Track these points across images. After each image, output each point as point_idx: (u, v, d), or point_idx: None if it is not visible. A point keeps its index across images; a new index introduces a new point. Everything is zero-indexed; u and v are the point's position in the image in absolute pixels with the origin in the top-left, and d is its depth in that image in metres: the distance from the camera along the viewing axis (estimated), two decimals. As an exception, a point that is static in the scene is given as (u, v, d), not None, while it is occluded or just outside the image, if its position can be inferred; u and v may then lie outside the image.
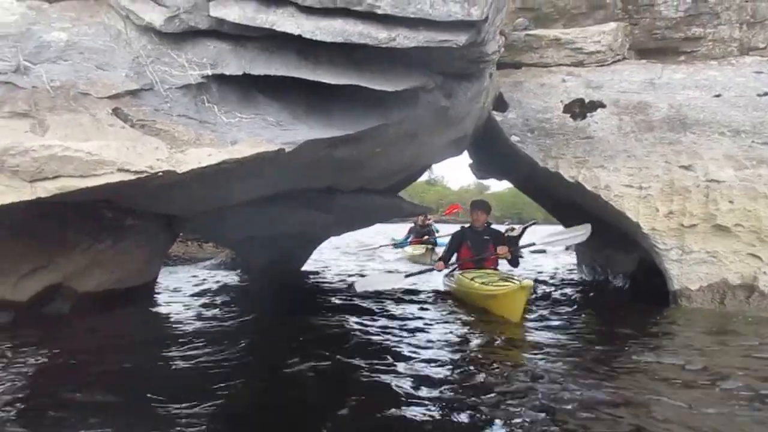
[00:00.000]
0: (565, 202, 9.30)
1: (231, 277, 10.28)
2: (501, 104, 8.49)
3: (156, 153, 4.90)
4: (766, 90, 8.08)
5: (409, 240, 17.77)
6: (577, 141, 7.86)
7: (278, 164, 5.29)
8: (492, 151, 9.47)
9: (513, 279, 7.24)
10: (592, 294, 9.10)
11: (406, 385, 4.09)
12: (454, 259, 8.48)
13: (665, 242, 7.29)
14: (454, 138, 7.59)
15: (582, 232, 7.90)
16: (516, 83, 8.77)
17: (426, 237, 17.04)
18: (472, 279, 7.51)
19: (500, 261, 8.29)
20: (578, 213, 8.86)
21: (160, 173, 4.82)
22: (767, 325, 6.28)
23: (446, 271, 8.74)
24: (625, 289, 9.10)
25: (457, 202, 21.29)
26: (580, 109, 8.15)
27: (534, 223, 21.74)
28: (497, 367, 4.63)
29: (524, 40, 9.23)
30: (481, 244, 8.19)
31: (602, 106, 8.13)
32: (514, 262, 8.40)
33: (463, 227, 8.76)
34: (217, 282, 9.55)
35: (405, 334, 5.85)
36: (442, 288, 9.05)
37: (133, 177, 4.80)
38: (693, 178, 7.29)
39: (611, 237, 8.75)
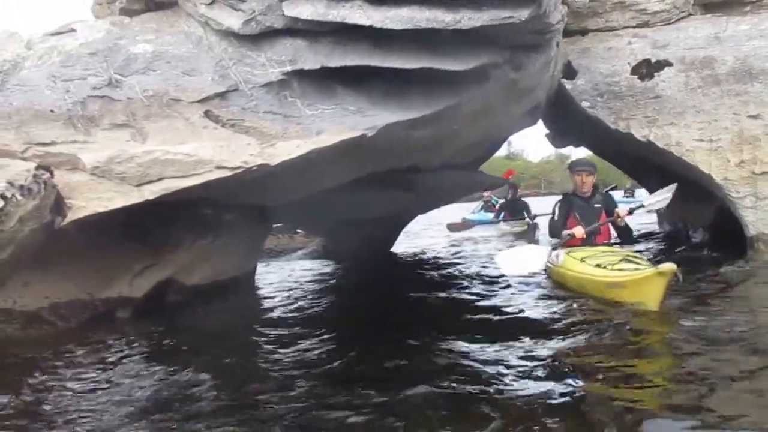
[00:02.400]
0: (640, 161, 9.39)
1: (322, 265, 10.68)
2: (570, 71, 8.58)
3: (248, 149, 5.32)
4: (831, 32, 7.95)
5: (502, 216, 15.99)
6: (646, 101, 7.98)
7: (362, 149, 5.62)
8: (566, 119, 9.60)
9: (637, 258, 5.93)
10: (676, 246, 9.24)
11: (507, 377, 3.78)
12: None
13: (738, 190, 7.47)
14: (527, 108, 7.79)
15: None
16: (583, 49, 8.83)
17: (523, 212, 15.41)
18: (582, 260, 6.06)
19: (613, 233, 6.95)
20: (654, 170, 8.96)
21: (254, 167, 5.23)
22: None
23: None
24: (706, 239, 9.28)
25: (512, 169, 19.41)
26: (647, 69, 8.19)
27: (614, 188, 21.44)
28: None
29: (589, 6, 9.17)
30: (590, 213, 6.73)
31: (669, 64, 8.15)
32: (627, 236, 6.87)
33: (566, 194, 7.17)
34: (310, 270, 9.97)
35: (505, 319, 5.49)
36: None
37: (230, 173, 5.22)
38: (762, 126, 7.43)
39: (688, 190, 8.80)
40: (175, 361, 4.39)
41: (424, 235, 16.59)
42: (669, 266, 4.94)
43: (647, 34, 8.77)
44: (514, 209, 15.53)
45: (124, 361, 4.54)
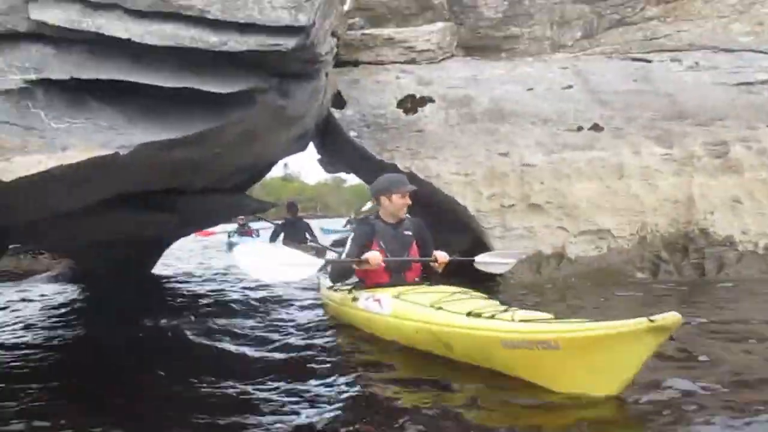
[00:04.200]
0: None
1: (69, 289, 9.77)
2: (339, 101, 8.79)
3: (-21, 162, 4.74)
4: (570, 83, 9.10)
5: (281, 239, 13.76)
6: (409, 134, 8.44)
7: (116, 168, 5.23)
8: (335, 147, 9.82)
9: (510, 307, 3.98)
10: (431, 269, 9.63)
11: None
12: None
13: (489, 221, 8.12)
14: (295, 135, 7.78)
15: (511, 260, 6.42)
16: (353, 81, 9.11)
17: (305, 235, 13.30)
18: (436, 306, 4.16)
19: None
20: (416, 199, 9.37)
21: (-15, 183, 4.67)
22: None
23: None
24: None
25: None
26: (411, 104, 8.67)
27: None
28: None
29: (361, 39, 9.54)
30: (400, 243, 5.30)
31: (431, 100, 8.70)
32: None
33: (367, 218, 5.73)
34: (52, 295, 9.06)
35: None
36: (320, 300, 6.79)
37: (-43, 187, 4.63)
38: (510, 163, 8.19)
39: (447, 220, 9.34)
40: None
41: (192, 258, 15.98)
42: (672, 317, 2.87)
43: (414, 70, 9.27)
44: (295, 232, 13.37)
45: None
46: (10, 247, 9.79)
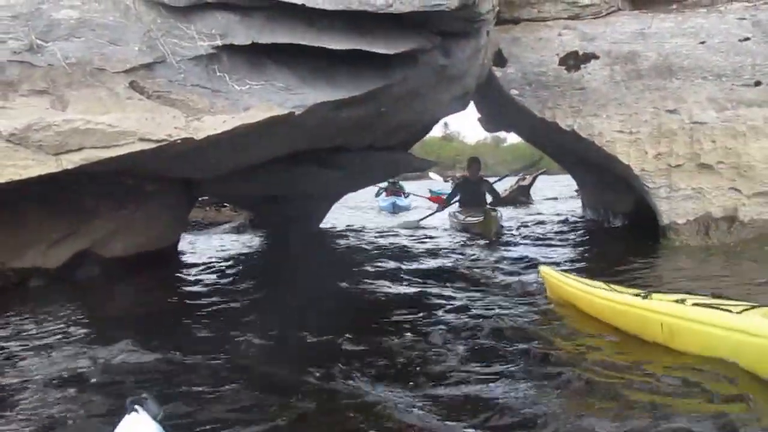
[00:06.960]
0: (565, 149, 9.68)
1: (249, 239, 10.61)
2: (500, 59, 8.73)
3: (174, 122, 5.25)
4: (747, 35, 8.32)
5: (457, 200, 11.80)
6: (572, 92, 8.22)
7: (290, 127, 5.62)
8: (496, 105, 9.81)
9: None
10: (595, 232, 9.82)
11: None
12: None
13: (654, 181, 7.78)
14: (456, 94, 7.87)
15: None
16: (514, 38, 8.98)
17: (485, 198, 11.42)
18: None
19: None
20: (578, 159, 9.23)
21: (179, 141, 5.18)
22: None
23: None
24: (624, 226, 9.77)
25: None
26: (574, 61, 8.43)
27: (543, 172, 21.67)
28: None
29: (522, -4, 9.38)
30: None
31: (595, 57, 8.40)
32: None
33: None
34: (235, 244, 9.89)
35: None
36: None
37: (154, 146, 5.16)
38: (678, 121, 7.76)
39: (610, 180, 9.17)
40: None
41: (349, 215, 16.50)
42: None
43: (577, 26, 8.98)
44: (473, 195, 11.35)
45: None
46: (199, 199, 10.76)
